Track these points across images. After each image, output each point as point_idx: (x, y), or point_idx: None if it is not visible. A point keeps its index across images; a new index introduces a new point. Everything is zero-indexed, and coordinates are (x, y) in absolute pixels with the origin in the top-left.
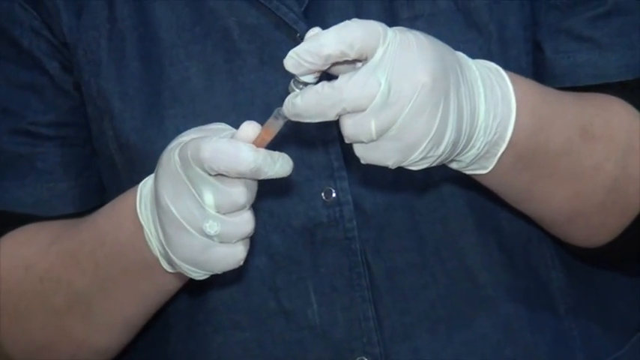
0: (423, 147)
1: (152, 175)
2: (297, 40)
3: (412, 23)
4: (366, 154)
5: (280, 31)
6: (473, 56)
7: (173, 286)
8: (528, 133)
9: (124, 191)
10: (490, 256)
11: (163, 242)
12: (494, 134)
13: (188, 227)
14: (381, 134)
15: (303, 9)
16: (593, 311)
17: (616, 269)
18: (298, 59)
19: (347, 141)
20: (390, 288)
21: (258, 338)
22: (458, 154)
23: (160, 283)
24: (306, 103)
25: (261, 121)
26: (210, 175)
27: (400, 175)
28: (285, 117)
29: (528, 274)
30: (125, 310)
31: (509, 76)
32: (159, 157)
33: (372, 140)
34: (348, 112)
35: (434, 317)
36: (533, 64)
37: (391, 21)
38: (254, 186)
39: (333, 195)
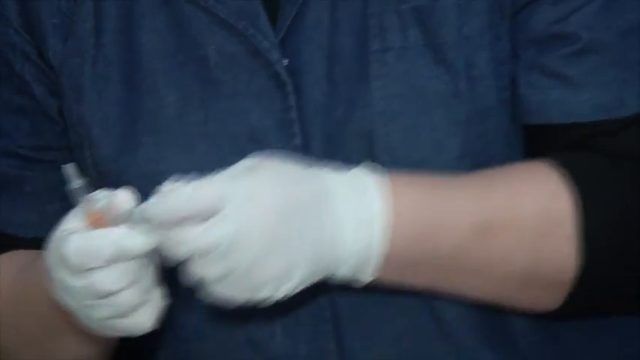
0: (269, 287)
1: None
2: (269, 70)
3: (382, 56)
4: (213, 292)
5: (255, 61)
6: (441, 93)
7: (100, 344)
8: (406, 246)
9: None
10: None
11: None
12: (361, 258)
13: (80, 315)
14: (224, 279)
15: (279, 38)
16: (557, 352)
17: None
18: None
19: (192, 281)
20: (353, 322)
21: None
22: (325, 277)
23: (95, 335)
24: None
25: (230, 151)
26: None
27: None
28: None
29: (492, 313)
30: (78, 353)
31: (389, 188)
32: (133, 187)
33: (217, 282)
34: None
35: (399, 352)
36: (509, 102)
37: (362, 53)
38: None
39: None
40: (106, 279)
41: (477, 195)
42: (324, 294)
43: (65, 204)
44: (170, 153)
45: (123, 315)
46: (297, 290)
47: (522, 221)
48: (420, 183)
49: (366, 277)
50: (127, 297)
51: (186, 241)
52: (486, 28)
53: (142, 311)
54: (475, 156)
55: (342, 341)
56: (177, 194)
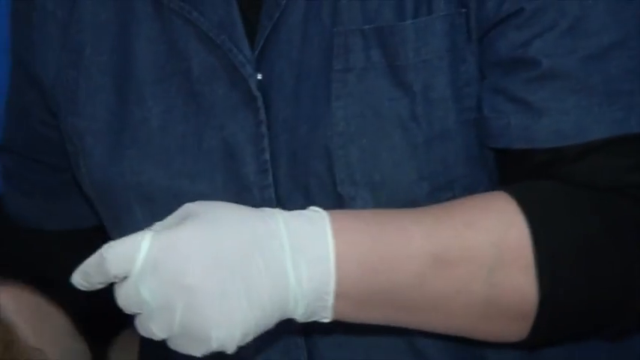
0: (216, 339)
1: None
2: (243, 84)
3: (344, 75)
4: (174, 347)
5: (231, 75)
6: (399, 115)
7: None
8: (358, 281)
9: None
10: None
11: None
12: (315, 297)
13: None
14: (168, 334)
15: (257, 52)
16: None
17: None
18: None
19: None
20: (324, 335)
21: None
22: (284, 317)
23: None
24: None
25: (205, 166)
26: None
27: None
28: None
29: (470, 345)
30: None
31: (337, 229)
32: (118, 198)
33: (163, 338)
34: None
35: None
36: (475, 122)
37: (327, 72)
38: None
39: None
40: None
41: (430, 227)
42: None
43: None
44: (150, 166)
45: None
46: (256, 334)
47: (478, 252)
48: (367, 217)
49: (325, 315)
50: None
51: (116, 297)
52: (446, 51)
53: None
54: (434, 178)
55: (313, 354)
56: (91, 259)
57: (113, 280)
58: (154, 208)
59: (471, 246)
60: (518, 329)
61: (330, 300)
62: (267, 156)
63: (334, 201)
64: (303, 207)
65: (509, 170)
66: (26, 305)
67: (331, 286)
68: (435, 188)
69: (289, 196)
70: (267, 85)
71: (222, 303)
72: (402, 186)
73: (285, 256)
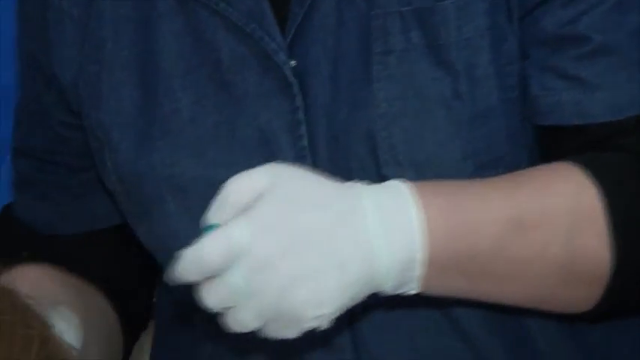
0: (309, 319)
1: None
2: (277, 71)
3: (384, 58)
4: (268, 333)
5: (264, 62)
6: (442, 94)
7: None
8: (444, 249)
9: (130, 221)
10: None
11: None
12: (403, 269)
13: None
14: (263, 321)
15: (288, 40)
16: (572, 352)
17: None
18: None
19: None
20: (367, 319)
21: None
22: (373, 291)
23: None
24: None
25: (241, 155)
26: None
27: None
28: None
29: (507, 312)
30: None
31: (419, 197)
32: (148, 191)
33: (257, 327)
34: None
35: (413, 349)
36: (517, 101)
37: (366, 55)
38: None
39: None
40: None
41: (507, 192)
42: None
43: (74, 206)
44: (183, 157)
45: None
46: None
47: (555, 217)
48: (445, 186)
49: (412, 287)
50: None
51: (208, 299)
52: (486, 29)
53: None
54: (478, 157)
55: (357, 338)
56: (186, 259)
57: (208, 276)
58: (187, 199)
59: (549, 210)
60: (589, 296)
61: (417, 270)
62: (305, 142)
63: (377, 183)
64: None
65: (558, 147)
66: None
67: (419, 256)
68: (479, 167)
69: None
70: (302, 72)
71: (316, 282)
72: (447, 165)
73: (371, 229)
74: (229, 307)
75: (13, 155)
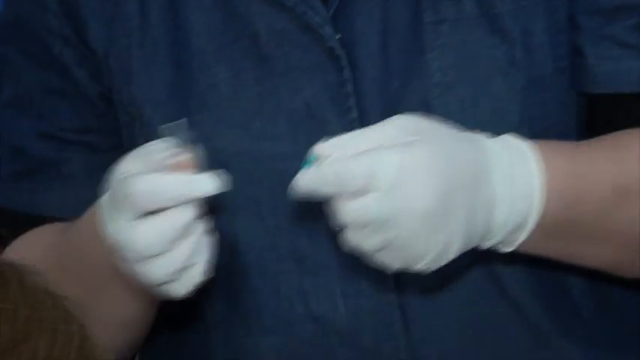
0: (425, 261)
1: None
2: (324, 44)
3: (436, 27)
4: (372, 257)
5: (308, 36)
6: (497, 62)
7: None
8: (554, 216)
9: None
10: (514, 260)
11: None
12: (514, 229)
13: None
14: (380, 250)
15: (331, 13)
16: (615, 317)
17: None
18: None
19: (348, 250)
20: (416, 291)
21: (287, 343)
22: (475, 245)
23: (142, 289)
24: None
25: (287, 127)
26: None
27: None
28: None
29: (551, 279)
30: (118, 314)
31: (541, 158)
32: None
33: (372, 252)
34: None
35: (462, 320)
36: (568, 69)
37: (416, 25)
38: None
39: None
40: (169, 224)
41: (613, 158)
42: None
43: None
44: (225, 130)
45: (174, 273)
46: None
47: None
48: (563, 148)
49: (510, 247)
50: (182, 251)
51: (339, 213)
52: None
53: (186, 272)
54: (533, 124)
55: (406, 311)
56: (329, 169)
57: (345, 192)
58: (229, 174)
59: None
60: None
61: (526, 232)
62: (354, 114)
63: None
64: None
65: (614, 116)
66: None
67: (533, 218)
68: (533, 134)
69: None
70: (348, 44)
71: (444, 229)
72: (502, 132)
73: (497, 186)
74: (356, 227)
75: (25, 143)
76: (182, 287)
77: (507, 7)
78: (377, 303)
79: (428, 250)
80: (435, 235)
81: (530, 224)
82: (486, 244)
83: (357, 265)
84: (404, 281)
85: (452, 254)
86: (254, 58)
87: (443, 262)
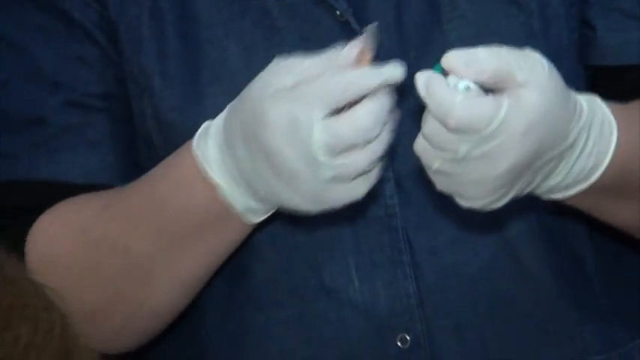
0: (471, 205)
1: (206, 134)
2: (336, 18)
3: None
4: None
5: (320, 9)
6: (515, 33)
7: (243, 237)
8: (611, 177)
9: None
10: (531, 231)
11: (265, 192)
12: (578, 184)
13: (303, 172)
14: (439, 173)
15: None
16: (626, 292)
17: None
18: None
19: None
20: (431, 264)
21: (300, 316)
22: None
23: (230, 238)
24: (463, 112)
25: None
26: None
27: None
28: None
29: (566, 252)
30: (188, 271)
31: (615, 120)
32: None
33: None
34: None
35: (476, 294)
36: (577, 42)
37: None
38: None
39: None
40: (351, 131)
41: None
42: (401, 238)
43: (127, 155)
44: None
45: (345, 179)
46: None
47: None
48: (629, 116)
49: (568, 194)
50: (361, 156)
51: (424, 128)
52: None
53: (362, 179)
54: None
55: (420, 284)
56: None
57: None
58: None
59: None
60: None
61: (589, 182)
62: None
63: None
64: (411, 134)
65: (624, 87)
66: None
67: (595, 179)
68: None
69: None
70: (361, 19)
71: (506, 189)
72: None
73: (566, 163)
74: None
75: (46, 112)
76: (367, 183)
77: None
78: (391, 276)
79: (483, 197)
80: (496, 191)
81: (576, 190)
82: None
83: (372, 239)
84: (419, 253)
85: (498, 206)
86: (264, 29)
87: (486, 209)
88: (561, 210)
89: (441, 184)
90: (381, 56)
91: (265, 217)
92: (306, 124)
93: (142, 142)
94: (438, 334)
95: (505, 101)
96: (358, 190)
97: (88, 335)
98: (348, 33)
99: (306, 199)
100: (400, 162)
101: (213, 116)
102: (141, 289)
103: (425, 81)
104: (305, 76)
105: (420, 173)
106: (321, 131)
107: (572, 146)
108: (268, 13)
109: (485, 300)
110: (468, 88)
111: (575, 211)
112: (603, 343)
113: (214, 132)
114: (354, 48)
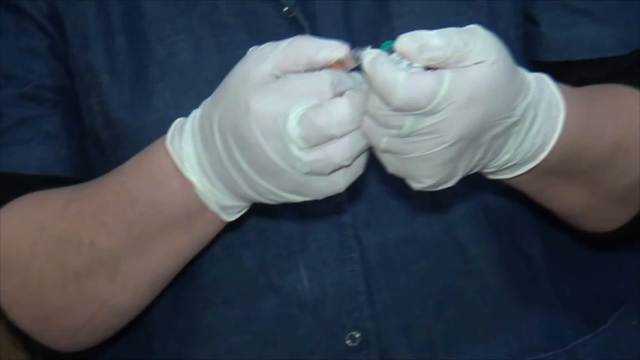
0: (423, 186)
1: (180, 131)
2: (284, 14)
3: None
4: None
5: (268, 5)
6: None
7: (214, 235)
8: (552, 165)
9: (111, 168)
10: (479, 228)
11: (245, 184)
12: (531, 156)
13: (283, 166)
14: (387, 152)
15: None
16: (574, 288)
17: (621, 246)
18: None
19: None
20: (380, 262)
21: (249, 315)
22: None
23: (201, 236)
24: (406, 91)
25: None
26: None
27: None
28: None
29: (514, 249)
30: (156, 268)
31: (564, 100)
32: (149, 132)
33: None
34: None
35: (425, 291)
36: (522, 38)
37: None
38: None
39: None
40: (330, 118)
41: (613, 112)
42: (350, 235)
43: (81, 148)
44: (188, 97)
45: (326, 169)
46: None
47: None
48: (581, 100)
49: (515, 173)
50: (338, 147)
51: (369, 107)
52: None
53: (342, 171)
54: None
55: (370, 282)
56: (379, 84)
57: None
58: None
59: (638, 133)
60: (627, 213)
61: (537, 162)
62: None
63: None
64: None
65: (565, 82)
66: None
67: (545, 155)
68: None
69: None
70: (309, 15)
71: (453, 164)
72: None
73: (515, 139)
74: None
75: (7, 101)
76: (346, 178)
77: None
78: (341, 274)
79: (431, 175)
80: (444, 165)
81: (525, 169)
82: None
83: (321, 236)
84: (368, 251)
85: (449, 185)
86: (212, 26)
87: (438, 189)
88: (509, 206)
89: (390, 165)
90: None
91: (239, 215)
92: (282, 117)
93: (90, 139)
94: (387, 331)
95: (447, 75)
96: (338, 184)
97: (46, 333)
98: (295, 29)
99: (286, 191)
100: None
101: (162, 113)
102: (105, 286)
103: (370, 60)
104: (283, 66)
105: (369, 169)
106: (296, 124)
107: (519, 122)
108: (216, 9)
109: (433, 297)
110: (411, 64)
111: (523, 205)
112: (550, 340)
113: (189, 128)
114: (335, 53)
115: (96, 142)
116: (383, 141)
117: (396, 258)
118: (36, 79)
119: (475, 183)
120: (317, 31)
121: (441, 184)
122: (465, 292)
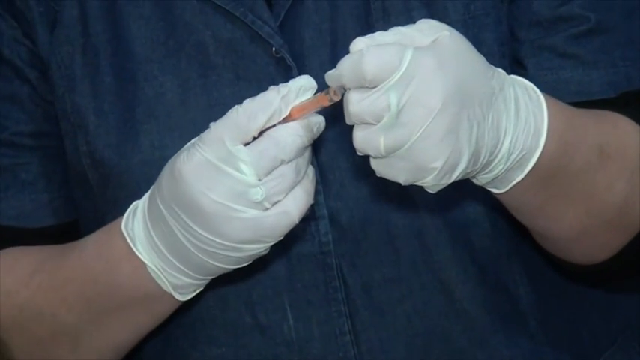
0: (435, 173)
1: (134, 213)
2: (272, 54)
3: None
4: (378, 167)
5: (255, 45)
6: None
7: (171, 311)
8: (551, 160)
9: (99, 208)
10: (465, 270)
11: (197, 250)
12: (515, 164)
13: (235, 207)
14: (390, 152)
15: (278, 23)
16: (564, 327)
17: (611, 285)
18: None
19: (358, 153)
20: (366, 302)
21: (235, 353)
22: (472, 177)
23: (158, 311)
24: (372, 58)
25: None
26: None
27: (376, 189)
28: (332, 101)
29: (500, 290)
30: (117, 340)
31: (546, 103)
32: (136, 173)
33: (381, 156)
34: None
35: (410, 331)
36: (509, 69)
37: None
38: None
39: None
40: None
41: (596, 121)
42: (335, 275)
43: (62, 192)
44: (174, 138)
45: (278, 196)
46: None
47: (628, 151)
48: (562, 105)
49: (505, 186)
50: (285, 170)
51: (351, 107)
52: (491, 9)
53: (291, 199)
54: None
55: (355, 322)
56: (343, 63)
57: (363, 85)
58: None
59: (623, 144)
60: (616, 242)
61: (525, 170)
62: None
63: None
64: (344, 171)
65: None
66: None
67: (533, 160)
68: None
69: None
70: (296, 56)
71: (452, 134)
72: None
73: (507, 116)
74: (370, 125)
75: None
76: (298, 205)
77: (459, 17)
78: (326, 314)
79: (438, 154)
80: (445, 139)
81: (532, 162)
82: (487, 177)
83: (306, 276)
84: (354, 291)
85: (460, 168)
86: (200, 66)
87: (450, 179)
88: (495, 247)
89: (399, 170)
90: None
91: (194, 294)
92: (228, 157)
93: (76, 180)
94: None
95: (409, 48)
96: (292, 214)
97: None
98: (283, 69)
99: (242, 242)
100: (334, 199)
101: (148, 154)
102: (70, 352)
103: (336, 69)
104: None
105: (354, 209)
106: (245, 155)
107: (500, 96)
108: (204, 50)
109: (419, 337)
110: None
111: (510, 245)
112: None
113: (140, 211)
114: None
115: (82, 183)
116: (381, 141)
117: (382, 298)
118: (12, 125)
119: (461, 222)
120: (304, 71)
121: (453, 167)
122: (451, 333)
